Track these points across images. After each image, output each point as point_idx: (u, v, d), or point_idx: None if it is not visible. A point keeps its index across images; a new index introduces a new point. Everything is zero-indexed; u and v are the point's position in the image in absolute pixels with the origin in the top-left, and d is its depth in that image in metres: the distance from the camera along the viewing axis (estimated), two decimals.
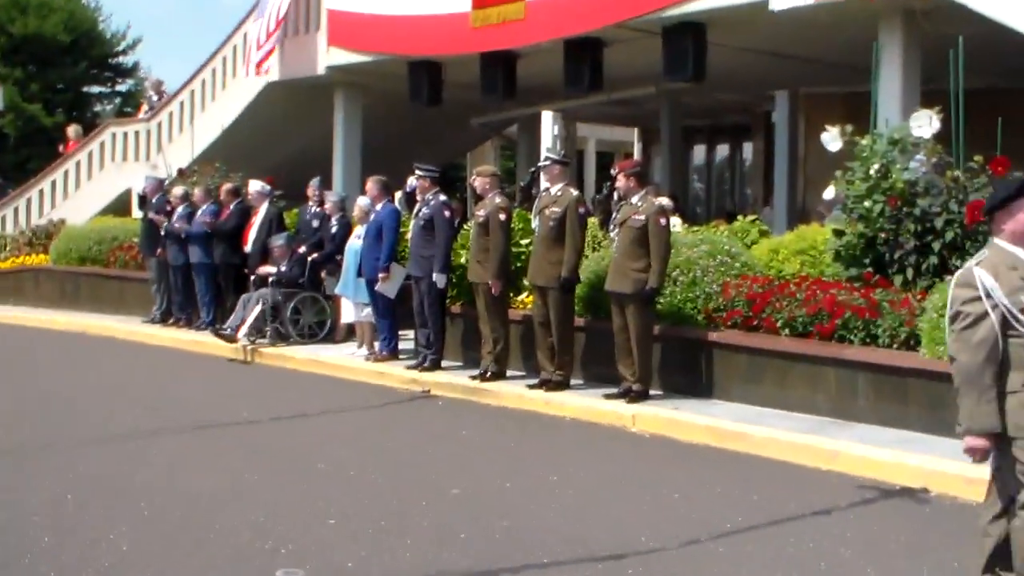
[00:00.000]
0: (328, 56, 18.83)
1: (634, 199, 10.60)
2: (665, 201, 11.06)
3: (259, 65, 19.39)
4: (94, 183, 23.11)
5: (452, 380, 11.98)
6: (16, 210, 23.68)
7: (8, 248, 21.77)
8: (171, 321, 16.68)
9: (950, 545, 6.72)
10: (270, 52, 19.21)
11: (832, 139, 10.80)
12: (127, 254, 18.63)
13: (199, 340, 15.37)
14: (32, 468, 8.54)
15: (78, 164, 23.41)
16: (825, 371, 9.80)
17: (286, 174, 17.04)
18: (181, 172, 19.26)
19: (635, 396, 10.48)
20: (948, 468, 8.00)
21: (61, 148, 25.17)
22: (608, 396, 10.69)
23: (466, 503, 7.54)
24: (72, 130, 25.30)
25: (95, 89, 43.79)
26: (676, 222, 12.40)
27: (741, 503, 7.56)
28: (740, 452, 9.10)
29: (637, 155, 28.92)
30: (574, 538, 6.72)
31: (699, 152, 27.68)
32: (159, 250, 16.67)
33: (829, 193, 10.98)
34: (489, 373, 11.79)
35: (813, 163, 19.61)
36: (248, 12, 20.52)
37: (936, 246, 9.94)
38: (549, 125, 23.26)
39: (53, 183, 23.56)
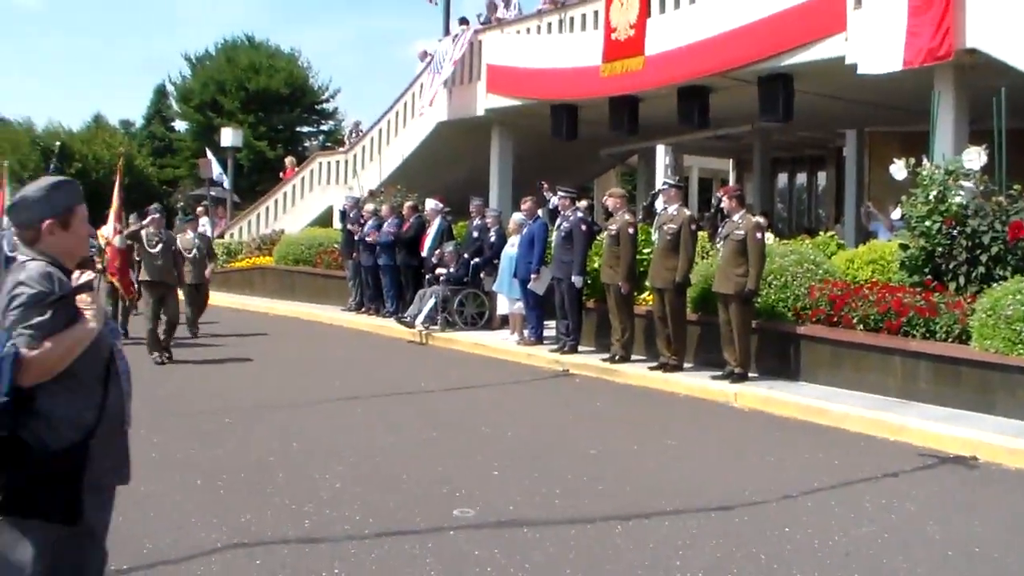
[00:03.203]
0: (486, 101, 18.99)
1: (735, 217, 10.57)
2: (761, 219, 10.98)
3: (431, 102, 19.78)
4: (306, 201, 23.76)
5: (587, 362, 11.96)
6: (249, 222, 24.57)
7: (243, 251, 22.53)
8: (363, 310, 17.03)
9: (996, 503, 6.61)
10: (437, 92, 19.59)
11: (899, 169, 10.69)
12: (330, 257, 19.05)
13: (385, 325, 15.62)
14: (268, 422, 8.74)
15: (293, 187, 24.11)
16: (893, 360, 9.64)
17: (454, 195, 17.23)
18: (371, 192, 19.68)
19: (736, 377, 10.43)
20: (994, 440, 7.91)
21: (281, 175, 25.91)
22: (714, 377, 10.63)
23: (602, 461, 7.50)
24: (289, 161, 26.04)
25: (306, 129, 45.93)
26: (769, 236, 12.27)
27: (825, 466, 7.48)
28: (823, 425, 9.00)
29: (732, 181, 28.51)
30: (691, 491, 6.70)
31: (782, 179, 27.23)
32: (354, 254, 17.01)
33: (896, 213, 10.82)
34: (617, 357, 11.81)
35: (876, 189, 19.13)
36: (424, 67, 20.89)
37: (983, 258, 9.82)
38: (663, 156, 23.12)
39: (276, 202, 24.34)
